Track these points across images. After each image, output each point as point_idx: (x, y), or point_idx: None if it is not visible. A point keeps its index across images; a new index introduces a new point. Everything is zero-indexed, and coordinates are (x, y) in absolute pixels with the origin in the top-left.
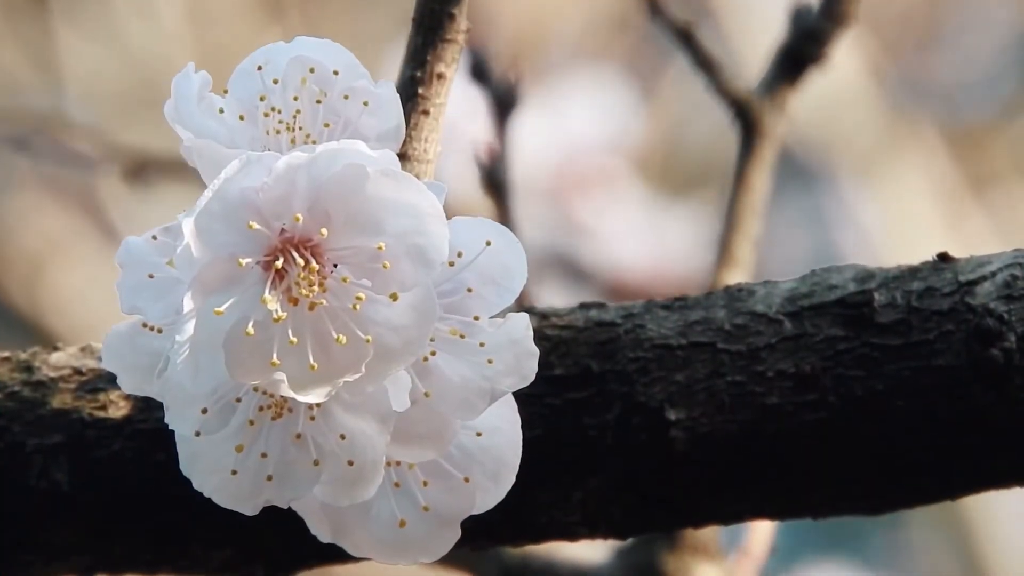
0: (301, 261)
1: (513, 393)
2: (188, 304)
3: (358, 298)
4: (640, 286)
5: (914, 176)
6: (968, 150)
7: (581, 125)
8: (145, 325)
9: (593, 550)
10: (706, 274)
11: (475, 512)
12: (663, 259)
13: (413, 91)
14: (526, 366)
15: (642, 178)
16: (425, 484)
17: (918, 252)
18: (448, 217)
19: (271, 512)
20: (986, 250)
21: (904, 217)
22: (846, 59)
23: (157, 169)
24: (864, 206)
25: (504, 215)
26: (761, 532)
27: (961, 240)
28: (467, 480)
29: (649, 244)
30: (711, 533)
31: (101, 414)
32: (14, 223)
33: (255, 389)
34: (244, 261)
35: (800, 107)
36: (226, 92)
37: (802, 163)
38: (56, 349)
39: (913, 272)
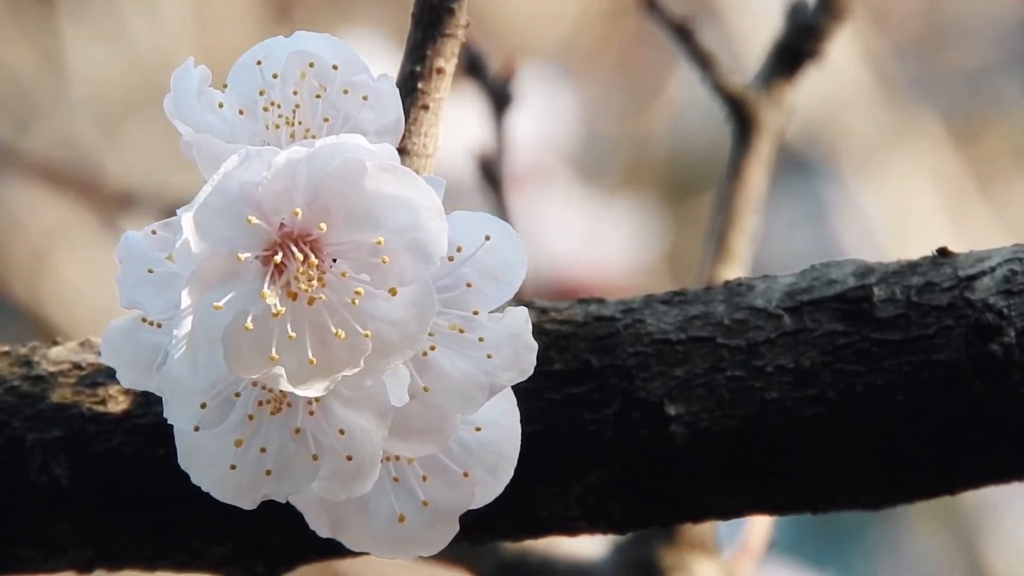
0: (300, 256)
1: (512, 388)
2: (186, 299)
3: (357, 293)
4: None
5: (917, 169)
6: (971, 143)
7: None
8: (144, 320)
9: (591, 545)
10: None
11: (474, 507)
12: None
13: (413, 86)
14: (525, 361)
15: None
16: (424, 479)
17: (921, 245)
18: (447, 212)
19: (270, 507)
20: (990, 243)
21: (907, 210)
22: (849, 52)
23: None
24: (867, 199)
25: (502, 210)
26: (759, 527)
27: (965, 233)
28: (466, 475)
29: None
30: (708, 528)
31: (100, 409)
32: (15, 215)
33: (254, 384)
34: (243, 256)
35: (803, 100)
36: (226, 87)
37: (805, 156)
38: (56, 344)
39: (912, 267)
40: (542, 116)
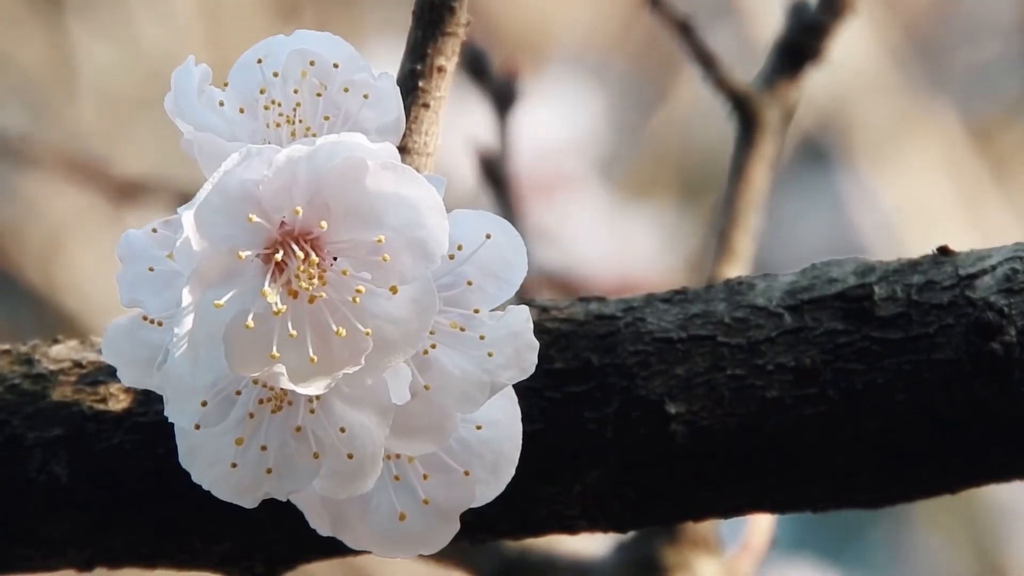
0: (301, 254)
1: (513, 386)
2: (187, 297)
3: (358, 291)
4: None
5: (932, 161)
6: (986, 135)
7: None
8: (145, 318)
9: (592, 544)
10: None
11: (475, 505)
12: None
13: (413, 84)
14: (526, 359)
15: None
16: (425, 477)
17: (935, 236)
18: (448, 210)
19: (271, 505)
20: (1004, 234)
21: (922, 202)
22: (865, 43)
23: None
24: (883, 190)
25: (504, 209)
26: (760, 525)
27: (978, 225)
28: (467, 473)
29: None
30: (710, 526)
31: (101, 407)
32: (30, 202)
33: (255, 382)
34: (244, 254)
35: (819, 91)
36: (227, 85)
37: (820, 147)
38: (56, 342)
39: (913, 266)
40: (566, 120)
